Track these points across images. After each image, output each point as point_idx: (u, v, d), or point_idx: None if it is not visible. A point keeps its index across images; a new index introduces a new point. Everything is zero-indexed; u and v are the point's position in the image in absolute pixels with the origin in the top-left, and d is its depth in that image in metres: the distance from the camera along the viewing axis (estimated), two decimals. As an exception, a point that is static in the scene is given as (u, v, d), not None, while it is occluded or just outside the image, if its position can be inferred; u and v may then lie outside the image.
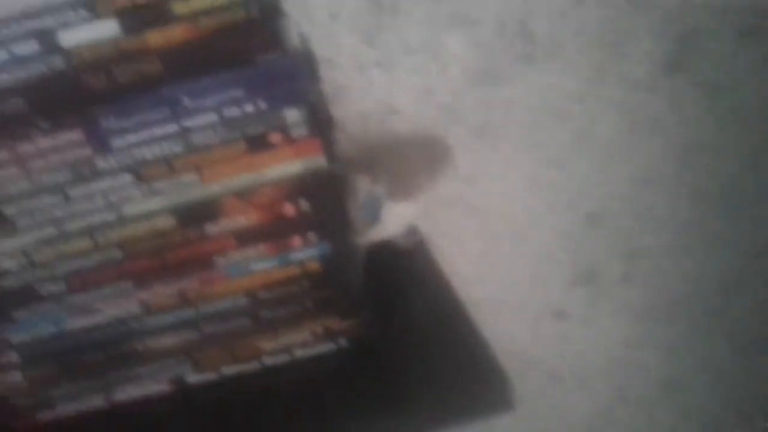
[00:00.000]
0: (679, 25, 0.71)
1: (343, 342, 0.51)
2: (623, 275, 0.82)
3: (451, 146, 0.72)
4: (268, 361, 0.51)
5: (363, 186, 0.56)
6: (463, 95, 0.72)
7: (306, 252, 0.49)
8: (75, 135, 0.45)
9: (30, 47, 0.43)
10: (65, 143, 0.45)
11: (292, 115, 0.47)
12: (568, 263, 0.81)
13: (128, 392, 0.51)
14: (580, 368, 0.86)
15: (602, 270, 0.82)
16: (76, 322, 0.49)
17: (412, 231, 0.62)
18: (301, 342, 0.51)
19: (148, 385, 0.51)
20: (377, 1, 0.66)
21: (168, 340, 0.50)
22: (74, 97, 0.44)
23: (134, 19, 0.43)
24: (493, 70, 0.71)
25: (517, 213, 0.78)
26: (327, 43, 0.66)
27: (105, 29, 0.43)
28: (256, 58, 0.45)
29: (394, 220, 0.57)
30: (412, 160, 0.68)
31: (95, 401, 0.51)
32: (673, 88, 0.74)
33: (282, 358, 0.51)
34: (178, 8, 0.43)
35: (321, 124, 0.47)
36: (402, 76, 0.70)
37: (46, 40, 0.43)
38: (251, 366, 0.51)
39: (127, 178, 0.47)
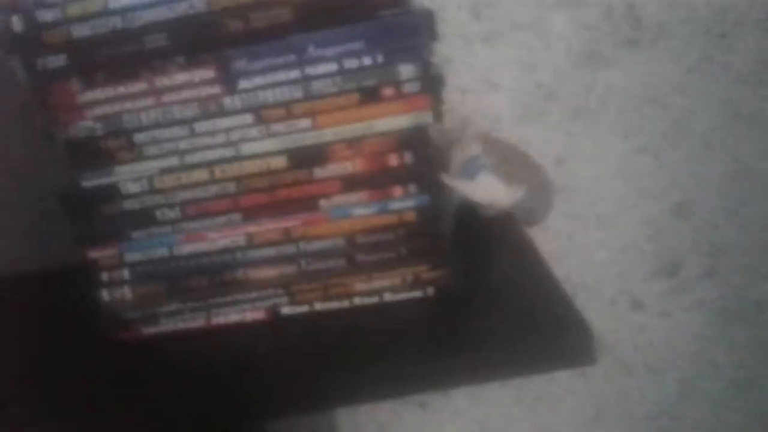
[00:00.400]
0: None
1: (430, 291, 0.54)
2: (706, 270, 0.82)
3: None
4: (358, 301, 0.54)
5: (467, 150, 0.58)
6: (564, 75, 0.73)
7: (405, 202, 0.52)
8: (207, 73, 0.49)
9: (177, -13, 0.47)
10: (198, 80, 0.49)
11: (407, 70, 0.49)
12: (651, 253, 0.81)
13: (226, 316, 0.55)
14: (650, 359, 0.86)
15: (685, 263, 0.81)
16: (186, 247, 0.54)
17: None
18: (391, 287, 0.54)
19: (245, 312, 0.55)
20: (488, -24, 0.68)
21: (268, 273, 0.54)
22: (211, 39, 0.48)
23: (271, -31, 0.47)
24: (597, 52, 0.72)
25: (605, 197, 0.79)
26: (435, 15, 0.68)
27: (243, -23, 0.47)
28: (379, 13, 0.48)
29: (488, 186, 0.59)
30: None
31: (195, 322, 0.55)
32: (779, 84, 0.74)
33: (371, 300, 0.54)
34: (313, -38, 0.47)
35: (432, 81, 0.50)
36: (505, 52, 0.72)
37: (192, -20, 0.47)
38: (342, 304, 0.54)
39: (249, 118, 0.50)
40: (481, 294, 0.53)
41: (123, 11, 0.47)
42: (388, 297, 0.54)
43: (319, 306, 0.54)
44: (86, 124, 0.50)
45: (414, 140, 0.51)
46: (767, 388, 0.89)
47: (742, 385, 0.87)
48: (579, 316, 0.50)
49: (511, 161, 0.64)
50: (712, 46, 0.72)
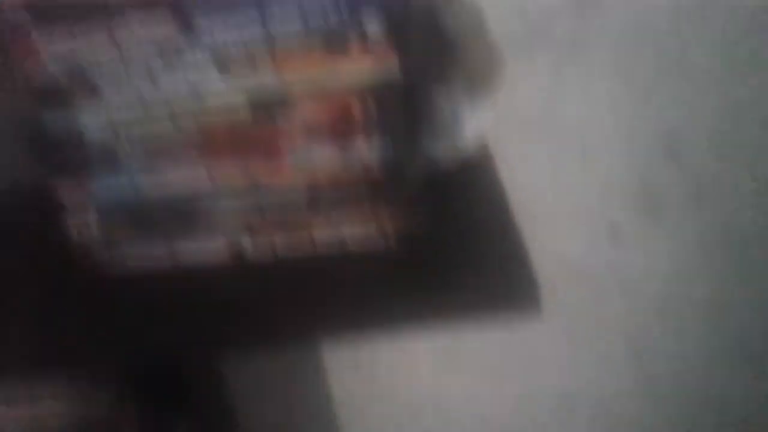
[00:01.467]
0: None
1: (391, 241, 0.55)
2: (690, 205, 0.82)
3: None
4: (321, 249, 0.55)
5: (441, 100, 0.57)
6: (556, 15, 0.70)
7: (368, 153, 0.52)
8: (167, 27, 0.48)
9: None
10: (158, 31, 0.48)
11: (373, 24, 0.48)
12: (634, 187, 0.81)
13: (192, 256, 0.56)
14: (626, 284, 0.88)
15: (669, 198, 0.81)
16: (152, 191, 0.54)
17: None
18: (352, 236, 0.55)
19: (209, 253, 0.56)
20: None
21: (232, 216, 0.55)
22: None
23: None
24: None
25: (592, 135, 0.78)
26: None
27: None
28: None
29: (471, 133, 0.59)
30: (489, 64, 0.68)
31: (161, 261, 0.56)
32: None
33: (333, 249, 0.55)
34: None
35: (400, 34, 0.49)
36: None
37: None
38: (304, 251, 0.55)
39: (213, 72, 0.50)
40: (443, 242, 0.54)
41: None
42: (350, 246, 0.55)
43: (282, 252, 0.55)
44: (48, 70, 0.50)
45: (380, 91, 0.50)
46: (744, 319, 0.91)
47: (717, 311, 0.89)
48: (529, 269, 0.51)
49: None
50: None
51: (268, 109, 0.51)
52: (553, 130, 0.77)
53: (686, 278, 0.87)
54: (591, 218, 0.84)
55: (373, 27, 0.48)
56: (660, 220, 0.83)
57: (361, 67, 0.50)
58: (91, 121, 0.52)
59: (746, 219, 0.83)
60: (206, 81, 0.50)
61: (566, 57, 0.73)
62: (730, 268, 0.86)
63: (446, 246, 0.55)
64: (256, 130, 0.52)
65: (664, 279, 0.88)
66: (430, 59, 0.56)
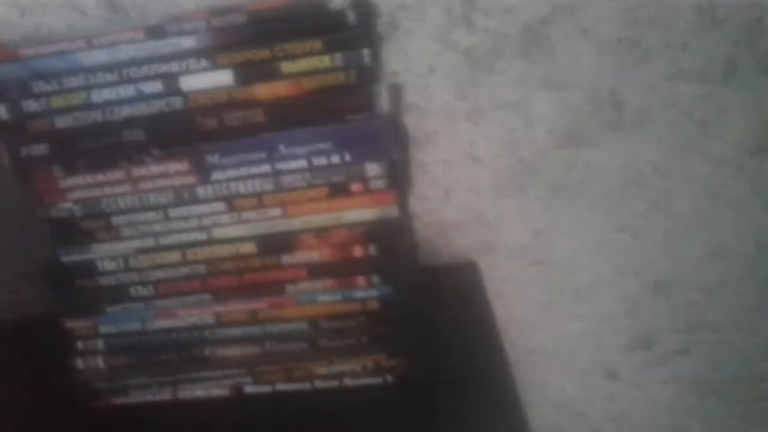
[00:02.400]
0: (771, 110, 0.71)
1: (389, 378, 0.55)
2: (682, 345, 0.83)
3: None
4: (319, 384, 0.56)
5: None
6: (545, 153, 0.74)
7: (368, 292, 0.54)
8: (182, 165, 0.51)
9: (155, 87, 0.49)
10: (173, 171, 0.51)
11: (373, 169, 0.51)
12: (627, 326, 0.82)
13: (192, 391, 0.57)
14: (622, 422, 0.87)
15: (661, 338, 0.83)
16: (157, 323, 0.56)
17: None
18: (351, 372, 0.56)
19: (210, 388, 0.57)
20: (474, 58, 0.69)
21: (233, 352, 0.56)
22: (186, 134, 0.50)
23: (246, 73, 0.49)
24: (578, 133, 0.73)
25: (583, 272, 0.80)
26: (421, 92, 0.70)
27: (220, 78, 0.49)
28: (348, 117, 0.50)
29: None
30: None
31: (163, 394, 0.57)
32: (759, 170, 0.75)
33: (332, 384, 0.56)
34: (286, 67, 0.49)
35: (398, 180, 0.52)
36: (488, 129, 0.73)
37: (170, 82, 0.49)
38: (303, 386, 0.56)
39: (221, 206, 0.53)
40: (439, 382, 0.55)
41: (104, 105, 0.50)
42: (348, 381, 0.56)
43: (281, 386, 0.56)
44: (66, 207, 0.52)
45: (379, 233, 0.53)
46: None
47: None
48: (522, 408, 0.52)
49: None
50: (693, 132, 0.74)
51: (273, 247, 0.54)
52: (546, 266, 0.79)
53: (682, 414, 0.87)
54: (585, 355, 0.85)
55: (374, 170, 0.51)
56: (653, 356, 0.84)
57: (362, 208, 0.53)
58: (104, 254, 0.54)
59: (736, 355, 0.84)
60: (215, 217, 0.53)
61: (556, 194, 0.76)
62: (724, 403, 0.87)
63: (441, 382, 0.56)
64: (261, 266, 0.54)
65: (659, 415, 0.87)
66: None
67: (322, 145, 0.51)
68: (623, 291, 0.81)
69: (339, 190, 0.52)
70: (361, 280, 0.54)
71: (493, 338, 0.62)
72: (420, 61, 0.69)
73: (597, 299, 0.81)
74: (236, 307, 0.55)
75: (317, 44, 0.49)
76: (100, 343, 0.56)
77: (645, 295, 0.81)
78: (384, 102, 0.50)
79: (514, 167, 0.75)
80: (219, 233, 0.54)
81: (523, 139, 0.74)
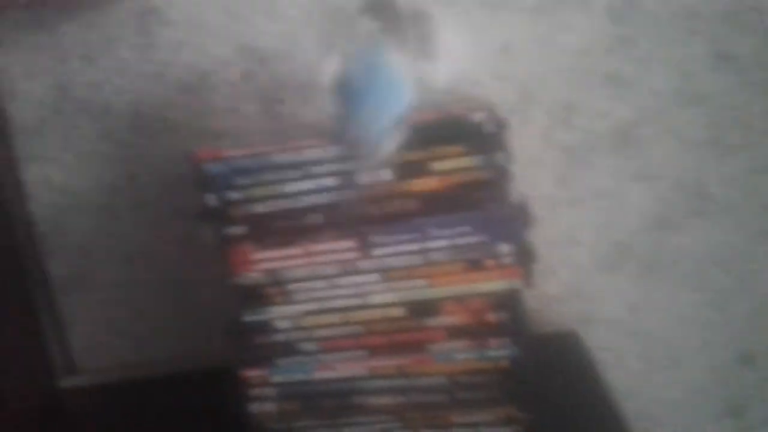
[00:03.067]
0: None
1: (520, 429, 0.65)
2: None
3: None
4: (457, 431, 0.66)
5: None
6: (638, 236, 0.84)
7: (499, 352, 0.64)
8: (349, 243, 0.63)
9: (333, 181, 0.62)
10: (341, 248, 0.63)
11: (504, 248, 0.62)
12: (717, 395, 0.89)
13: (348, 432, 0.67)
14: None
15: (750, 407, 0.89)
16: (320, 374, 0.67)
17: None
18: (485, 422, 0.65)
19: (363, 430, 0.67)
20: (572, 153, 0.81)
21: (384, 400, 0.66)
22: (354, 218, 0.62)
23: (404, 171, 0.61)
24: (667, 218, 0.83)
25: (675, 343, 0.88)
26: (527, 181, 0.81)
27: (384, 175, 0.62)
28: (486, 205, 0.62)
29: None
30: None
31: (324, 436, 0.68)
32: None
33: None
34: (437, 166, 0.61)
35: (525, 257, 0.63)
36: (586, 214, 0.84)
37: (345, 177, 0.62)
38: (442, 433, 0.66)
39: (377, 277, 0.64)
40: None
41: (291, 195, 0.63)
42: (483, 430, 0.65)
43: (423, 432, 0.66)
44: (253, 276, 0.65)
45: (508, 301, 0.64)
46: None
47: None
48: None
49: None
50: (775, 217, 0.83)
51: (418, 312, 0.65)
52: (641, 337, 0.88)
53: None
54: (680, 422, 0.91)
55: (505, 249, 0.62)
56: (744, 424, 0.90)
57: (494, 280, 0.64)
58: (279, 315, 0.66)
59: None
60: (371, 286, 0.65)
61: (649, 272, 0.85)
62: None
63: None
64: (408, 328, 0.65)
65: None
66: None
67: (464, 229, 0.62)
68: (713, 362, 0.88)
69: (475, 265, 0.63)
70: (493, 342, 0.64)
71: (600, 399, 0.70)
72: (526, 155, 0.81)
73: (689, 369, 0.89)
74: (386, 363, 0.66)
75: (461, 149, 0.61)
76: (271, 391, 0.67)
77: (734, 366, 0.88)
78: (515, 191, 0.61)
79: (610, 248, 0.85)
80: (374, 299, 0.65)
81: (618, 224, 0.84)
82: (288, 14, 0.76)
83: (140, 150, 0.81)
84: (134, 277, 0.86)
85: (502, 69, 0.78)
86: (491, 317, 0.64)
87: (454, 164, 0.61)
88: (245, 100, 0.79)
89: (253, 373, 0.67)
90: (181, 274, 0.84)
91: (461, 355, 0.65)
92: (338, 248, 0.64)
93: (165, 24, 0.76)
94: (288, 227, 0.64)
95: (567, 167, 0.82)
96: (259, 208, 0.64)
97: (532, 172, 0.80)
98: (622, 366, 0.88)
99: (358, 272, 0.64)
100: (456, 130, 0.62)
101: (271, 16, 0.77)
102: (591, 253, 0.86)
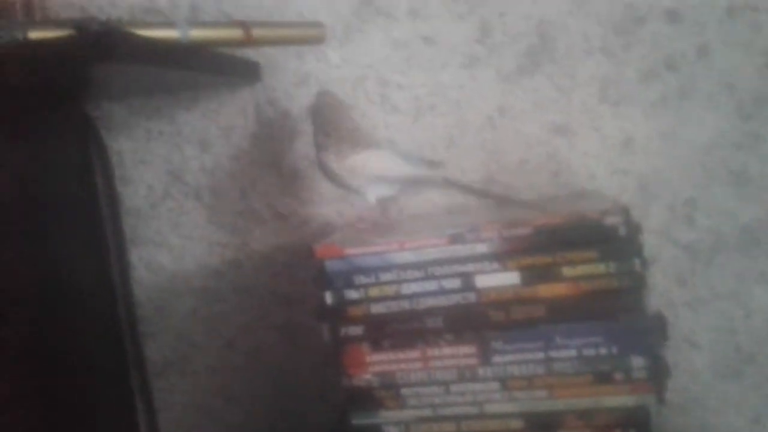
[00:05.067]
0: None
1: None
2: None
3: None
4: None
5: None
6: (763, 342, 0.79)
7: (627, 475, 0.59)
8: (469, 349, 0.60)
9: (454, 283, 0.60)
10: (461, 354, 0.60)
11: (638, 362, 0.58)
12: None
13: None
14: None
15: None
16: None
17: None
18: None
19: None
20: (694, 252, 0.77)
21: None
22: (476, 323, 0.60)
23: (532, 275, 0.59)
24: (795, 324, 0.78)
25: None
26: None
27: (509, 278, 0.59)
28: (619, 315, 0.58)
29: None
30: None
31: None
32: None
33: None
34: (567, 271, 0.58)
35: (658, 372, 0.58)
36: (707, 316, 0.79)
37: (466, 280, 0.59)
38: None
39: (495, 385, 0.61)
40: None
41: (412, 296, 0.60)
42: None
43: None
44: (366, 378, 0.62)
45: (638, 419, 0.59)
46: None
47: None
48: None
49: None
50: None
51: (538, 425, 0.61)
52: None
53: None
54: None
55: (638, 363, 0.58)
56: None
57: (623, 395, 0.59)
58: (389, 420, 0.63)
59: None
60: (489, 394, 0.61)
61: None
62: None
63: None
64: (528, 440, 0.61)
65: None
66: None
67: (593, 339, 0.58)
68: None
69: (603, 378, 0.59)
70: (620, 463, 0.59)
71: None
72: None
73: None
74: (503, 478, 0.62)
75: (594, 254, 0.58)
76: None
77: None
78: (650, 302, 0.58)
79: (731, 354, 0.80)
80: (490, 409, 0.61)
81: (741, 328, 0.79)
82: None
83: (246, 236, 0.80)
84: (232, 364, 0.84)
85: (622, 163, 0.75)
86: (618, 435, 0.59)
87: (586, 270, 0.58)
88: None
89: (359, 480, 0.64)
90: (282, 363, 0.82)
91: (586, 478, 0.60)
92: (457, 353, 0.61)
93: (282, 114, 0.77)
94: (406, 329, 0.61)
95: (687, 266, 0.78)
96: (378, 308, 0.61)
97: (650, 271, 0.77)
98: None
99: (476, 379, 0.61)
100: (589, 234, 0.59)
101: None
102: (710, 359, 0.80)
